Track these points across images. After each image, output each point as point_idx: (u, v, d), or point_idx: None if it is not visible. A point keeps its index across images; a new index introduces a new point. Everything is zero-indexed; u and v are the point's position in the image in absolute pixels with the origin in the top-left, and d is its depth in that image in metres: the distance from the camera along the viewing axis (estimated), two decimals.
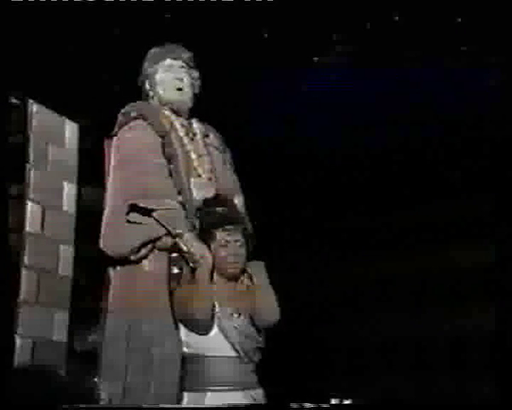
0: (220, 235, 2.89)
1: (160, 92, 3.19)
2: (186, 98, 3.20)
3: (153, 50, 3.26)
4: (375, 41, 4.64)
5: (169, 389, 2.84)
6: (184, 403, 2.83)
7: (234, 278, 2.91)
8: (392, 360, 8.90)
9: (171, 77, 3.19)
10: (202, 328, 2.81)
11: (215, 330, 2.83)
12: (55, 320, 4.29)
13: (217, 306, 2.83)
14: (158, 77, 3.20)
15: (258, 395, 2.87)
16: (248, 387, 2.85)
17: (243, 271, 2.94)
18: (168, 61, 3.21)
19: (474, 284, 8.34)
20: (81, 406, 3.09)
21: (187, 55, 3.24)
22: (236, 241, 2.89)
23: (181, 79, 3.19)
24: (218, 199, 3.02)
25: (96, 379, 3.02)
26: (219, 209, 2.94)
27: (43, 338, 4.20)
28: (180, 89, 3.19)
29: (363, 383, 8.02)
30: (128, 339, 2.88)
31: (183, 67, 3.21)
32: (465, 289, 8.54)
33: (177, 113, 3.17)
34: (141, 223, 2.91)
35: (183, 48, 3.26)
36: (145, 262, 2.94)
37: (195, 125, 3.23)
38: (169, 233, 2.89)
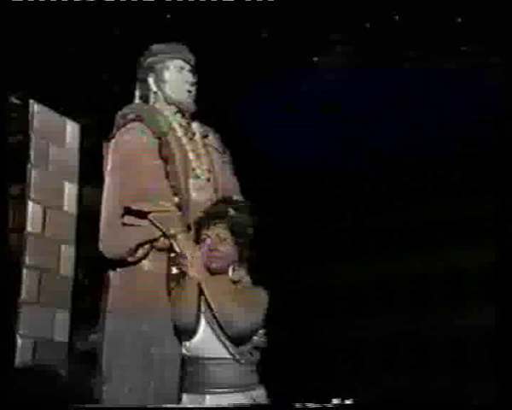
0: (202, 230, 2.88)
1: (168, 91, 3.18)
2: (192, 102, 3.21)
3: (159, 46, 3.24)
4: (375, 41, 4.64)
5: (169, 389, 2.84)
6: (184, 404, 2.82)
7: (220, 273, 2.88)
8: (392, 359, 8.90)
9: (182, 79, 3.19)
10: (186, 330, 2.80)
11: (208, 331, 2.82)
12: (55, 320, 4.29)
13: (205, 306, 2.81)
14: (167, 75, 3.19)
15: (258, 395, 2.85)
16: (248, 388, 2.83)
17: (233, 267, 2.91)
18: (179, 62, 3.20)
19: (474, 284, 8.35)
20: (81, 406, 3.09)
21: (193, 58, 3.25)
22: (218, 235, 2.87)
23: (191, 83, 3.20)
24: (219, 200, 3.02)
25: (96, 379, 3.02)
26: (207, 207, 2.94)
27: (44, 338, 4.20)
28: (189, 92, 3.19)
29: (364, 382, 8.02)
30: (128, 339, 2.88)
31: (191, 70, 3.22)
32: (465, 289, 8.55)
33: (179, 113, 3.17)
34: (136, 225, 2.92)
35: (188, 49, 3.26)
36: (145, 262, 2.95)
37: (195, 125, 3.23)
38: (164, 234, 2.90)
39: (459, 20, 4.38)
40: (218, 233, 2.86)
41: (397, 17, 4.41)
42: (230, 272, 2.89)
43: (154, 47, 3.24)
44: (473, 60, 4.69)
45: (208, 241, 2.84)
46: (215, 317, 2.78)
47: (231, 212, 2.91)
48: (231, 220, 2.90)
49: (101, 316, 3.02)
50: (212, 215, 2.90)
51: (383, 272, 9.09)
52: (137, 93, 3.26)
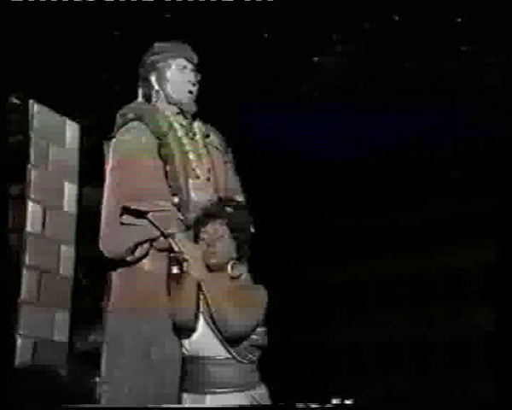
0: (200, 228, 2.89)
1: (170, 91, 3.17)
2: (193, 101, 3.20)
3: (162, 45, 3.23)
4: (375, 41, 4.65)
5: (169, 390, 2.84)
6: (184, 404, 2.82)
7: (219, 271, 2.88)
8: (392, 360, 8.90)
9: (184, 79, 3.18)
10: (185, 329, 2.80)
11: (207, 330, 2.81)
12: (55, 320, 4.30)
13: (204, 305, 2.81)
14: (169, 74, 3.18)
15: (259, 395, 2.84)
16: (248, 387, 2.83)
17: (232, 266, 2.91)
18: (182, 61, 3.19)
19: (474, 284, 8.36)
20: (81, 406, 3.10)
21: (196, 57, 3.24)
22: (215, 231, 2.88)
23: (193, 83, 3.19)
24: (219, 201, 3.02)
25: (96, 379, 3.02)
26: (205, 206, 2.95)
27: (44, 338, 4.21)
28: (191, 92, 3.19)
29: (364, 382, 8.02)
30: (128, 339, 2.88)
31: (193, 70, 3.21)
32: (465, 289, 8.55)
33: (180, 113, 3.17)
34: (135, 224, 2.92)
35: (191, 48, 3.25)
36: (145, 262, 2.95)
37: (196, 125, 3.23)
38: (162, 234, 2.91)
39: (459, 20, 4.39)
40: (215, 230, 2.87)
41: (397, 17, 4.41)
42: (229, 269, 2.89)
43: (157, 45, 3.23)
44: (473, 60, 4.69)
45: (206, 237, 2.85)
46: (213, 316, 2.78)
47: (229, 210, 2.92)
48: (229, 217, 2.90)
49: (103, 316, 3.02)
50: (209, 213, 2.91)
51: (383, 272, 9.08)
52: (140, 92, 3.25)
